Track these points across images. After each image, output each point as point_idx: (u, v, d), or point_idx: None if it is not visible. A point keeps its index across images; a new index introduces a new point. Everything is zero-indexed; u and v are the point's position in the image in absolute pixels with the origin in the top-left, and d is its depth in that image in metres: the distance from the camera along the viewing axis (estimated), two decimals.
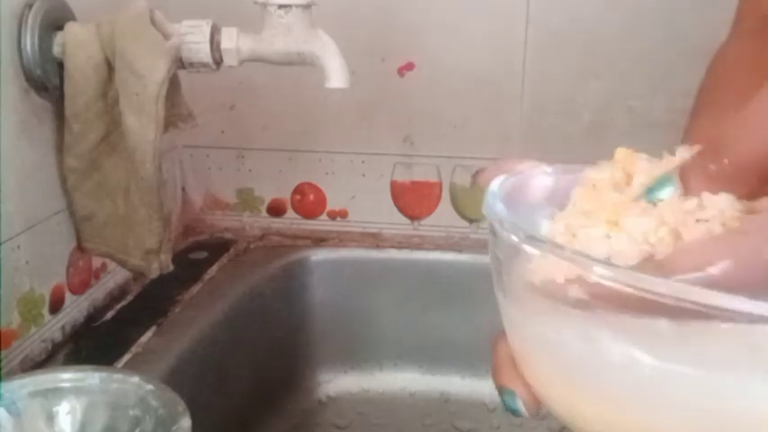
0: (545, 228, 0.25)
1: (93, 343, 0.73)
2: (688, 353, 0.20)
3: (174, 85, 0.67)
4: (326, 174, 0.99)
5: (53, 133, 0.69)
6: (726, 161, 0.22)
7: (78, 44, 0.64)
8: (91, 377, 0.51)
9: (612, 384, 0.22)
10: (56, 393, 0.50)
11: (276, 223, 1.02)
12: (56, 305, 0.71)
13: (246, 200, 1.02)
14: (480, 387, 0.95)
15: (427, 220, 0.99)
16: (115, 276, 0.81)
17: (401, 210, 0.99)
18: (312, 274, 0.95)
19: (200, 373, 0.73)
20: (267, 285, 0.90)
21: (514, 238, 0.23)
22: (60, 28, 0.66)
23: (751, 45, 0.45)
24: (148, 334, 0.73)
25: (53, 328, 0.70)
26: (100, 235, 0.72)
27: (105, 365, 0.65)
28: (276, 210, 1.02)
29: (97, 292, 0.78)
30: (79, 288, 0.75)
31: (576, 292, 0.21)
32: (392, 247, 0.97)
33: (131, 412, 0.49)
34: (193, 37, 0.65)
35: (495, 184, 0.27)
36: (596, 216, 0.23)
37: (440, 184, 0.97)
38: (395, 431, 0.92)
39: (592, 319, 0.22)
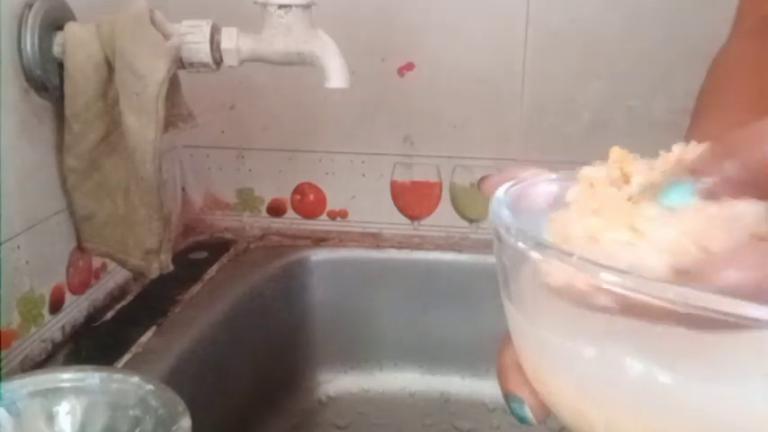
0: (553, 229, 0.24)
1: (93, 343, 0.73)
2: (707, 364, 0.20)
3: (174, 85, 0.67)
4: (326, 174, 0.99)
5: (53, 133, 0.69)
6: (738, 162, 0.22)
7: (78, 44, 0.64)
8: (91, 377, 0.51)
9: (626, 393, 0.22)
10: (56, 393, 0.50)
11: (276, 223, 1.02)
12: (56, 305, 0.71)
13: (246, 200, 1.02)
14: (480, 387, 0.95)
15: (427, 220, 0.99)
16: (115, 276, 0.81)
17: (401, 210, 0.99)
18: (312, 274, 0.95)
19: (200, 373, 0.73)
20: (267, 285, 0.90)
21: (521, 244, 0.23)
22: (60, 28, 0.66)
23: (751, 45, 0.45)
24: (148, 334, 0.73)
25: (53, 328, 0.70)
26: (100, 235, 0.72)
27: (105, 365, 0.65)
28: (276, 210, 1.02)
29: (97, 292, 0.78)
30: (79, 288, 0.75)
31: (603, 299, 0.20)
32: (392, 247, 0.97)
33: (131, 412, 0.49)
34: (193, 37, 0.65)
35: (501, 191, 0.27)
36: (612, 218, 0.23)
37: (440, 184, 0.97)
38: (395, 431, 0.92)
39: (611, 327, 0.21)
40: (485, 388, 0.94)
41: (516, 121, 0.95)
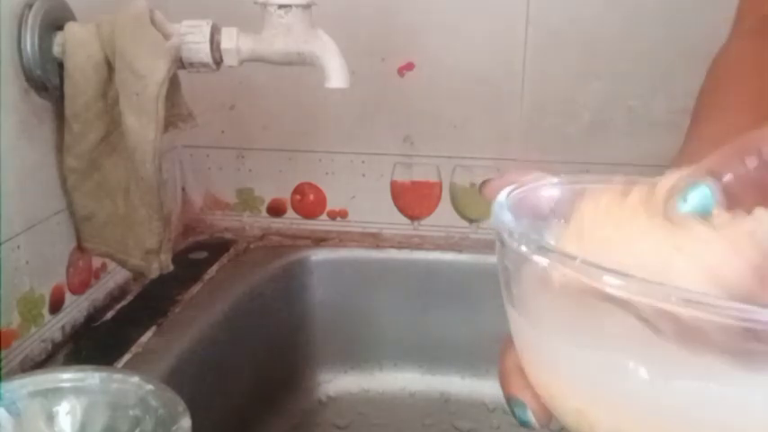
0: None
1: (93, 343, 0.73)
2: (710, 368, 0.20)
3: (174, 85, 0.66)
4: (326, 174, 0.99)
5: (53, 133, 0.69)
6: (763, 158, 0.21)
7: (78, 44, 0.64)
8: (91, 377, 0.51)
9: (628, 396, 0.22)
10: (56, 393, 0.50)
11: (276, 223, 1.02)
12: (56, 305, 0.71)
13: (246, 200, 1.02)
14: (480, 387, 0.95)
15: (427, 220, 0.99)
16: (115, 276, 0.81)
17: (401, 210, 0.99)
18: (312, 274, 0.95)
19: (200, 373, 0.73)
20: (267, 285, 0.90)
21: (524, 248, 0.23)
22: (60, 28, 0.66)
23: (751, 45, 0.45)
24: (148, 334, 0.73)
25: (53, 328, 0.70)
26: (100, 235, 0.72)
27: (105, 365, 0.65)
28: (276, 210, 1.02)
29: (97, 292, 0.78)
30: (79, 288, 0.75)
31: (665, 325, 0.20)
32: (392, 247, 0.97)
33: (131, 412, 0.49)
34: (193, 37, 0.65)
35: (503, 195, 0.27)
36: (652, 236, 0.22)
37: (440, 184, 0.97)
38: (395, 431, 0.92)
39: (614, 331, 0.21)
40: (485, 388, 0.94)
41: (516, 121, 0.95)
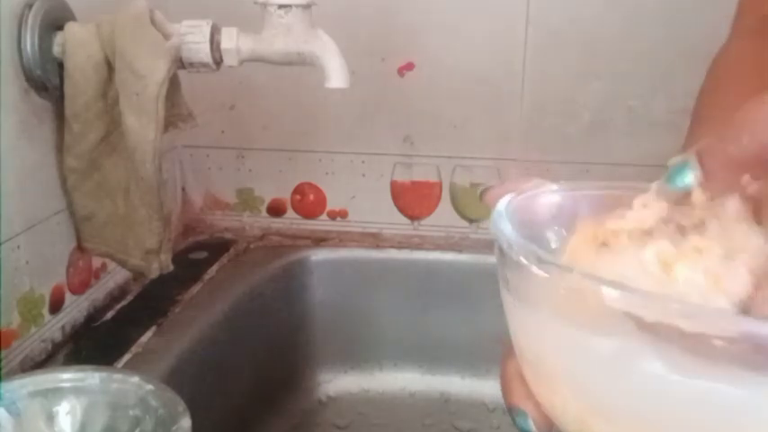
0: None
1: (93, 343, 0.73)
2: (714, 373, 0.20)
3: (174, 85, 0.66)
4: (326, 174, 0.99)
5: (53, 133, 0.69)
6: (745, 140, 0.22)
7: (78, 44, 0.64)
8: (91, 377, 0.51)
9: (632, 405, 0.22)
10: (56, 393, 0.50)
11: (276, 223, 1.02)
12: (56, 305, 0.71)
13: (246, 200, 1.02)
14: (480, 387, 0.95)
15: (427, 220, 0.99)
16: (115, 276, 0.81)
17: (401, 210, 0.99)
18: (312, 274, 0.95)
19: (200, 373, 0.73)
20: (267, 285, 0.90)
21: (523, 259, 0.23)
22: (60, 28, 0.66)
23: (751, 45, 0.45)
24: (148, 334, 0.73)
25: (53, 328, 0.70)
26: (100, 235, 0.72)
27: (105, 365, 0.65)
28: (276, 210, 1.02)
29: (97, 292, 0.78)
30: (79, 288, 0.75)
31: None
32: (392, 247, 0.97)
33: (131, 412, 0.49)
34: (193, 37, 0.65)
35: (503, 204, 0.27)
36: (650, 247, 0.22)
37: (440, 184, 0.97)
38: (395, 431, 0.92)
39: (619, 341, 0.21)
40: (485, 388, 0.94)
41: (516, 121, 0.95)
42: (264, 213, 1.02)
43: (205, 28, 0.65)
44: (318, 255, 0.96)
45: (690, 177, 0.23)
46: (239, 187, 1.01)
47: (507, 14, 0.91)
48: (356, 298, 0.96)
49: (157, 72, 0.62)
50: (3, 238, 0.62)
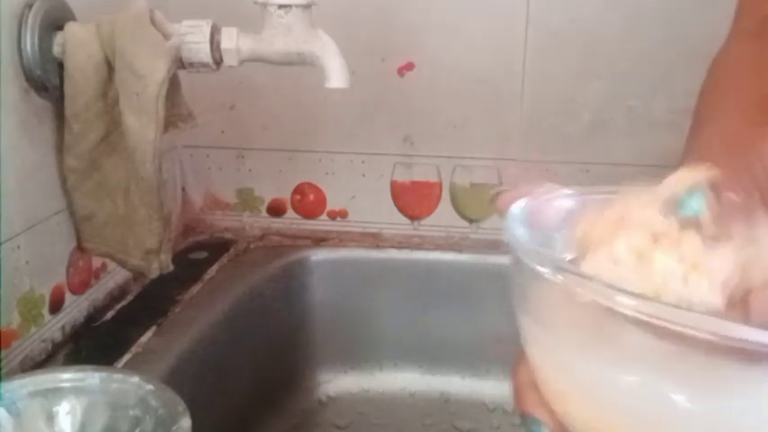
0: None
1: (93, 343, 0.73)
2: (728, 388, 0.20)
3: (174, 85, 0.66)
4: (326, 174, 0.99)
5: (53, 133, 0.69)
6: (757, 170, 0.22)
7: (78, 44, 0.64)
8: (91, 377, 0.51)
9: (648, 415, 0.22)
10: (56, 393, 0.50)
11: (276, 223, 1.02)
12: (56, 305, 0.71)
13: (246, 200, 1.02)
14: (480, 387, 0.95)
15: (427, 220, 0.99)
16: (115, 276, 0.81)
17: (401, 210, 0.99)
18: (312, 274, 0.95)
19: (200, 373, 0.73)
20: (267, 285, 0.90)
21: (539, 267, 0.23)
22: (60, 28, 0.66)
23: (751, 46, 0.45)
24: (148, 334, 0.73)
25: (53, 328, 0.70)
26: (100, 235, 0.72)
27: (105, 365, 0.65)
28: (276, 210, 1.02)
29: (97, 292, 0.78)
30: (79, 288, 0.75)
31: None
32: (392, 247, 0.97)
33: (131, 412, 0.49)
34: (193, 37, 0.65)
35: (516, 208, 0.26)
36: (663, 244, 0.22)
37: (440, 184, 0.97)
38: (395, 431, 0.92)
39: (638, 351, 0.21)
40: (485, 388, 0.94)
41: (516, 121, 0.95)
42: (264, 213, 1.02)
43: (205, 28, 0.65)
44: (318, 255, 0.96)
45: (702, 206, 0.23)
46: (239, 187, 1.01)
47: (507, 14, 0.91)
48: (356, 298, 0.95)
49: (157, 72, 0.62)
50: (3, 238, 0.62)
